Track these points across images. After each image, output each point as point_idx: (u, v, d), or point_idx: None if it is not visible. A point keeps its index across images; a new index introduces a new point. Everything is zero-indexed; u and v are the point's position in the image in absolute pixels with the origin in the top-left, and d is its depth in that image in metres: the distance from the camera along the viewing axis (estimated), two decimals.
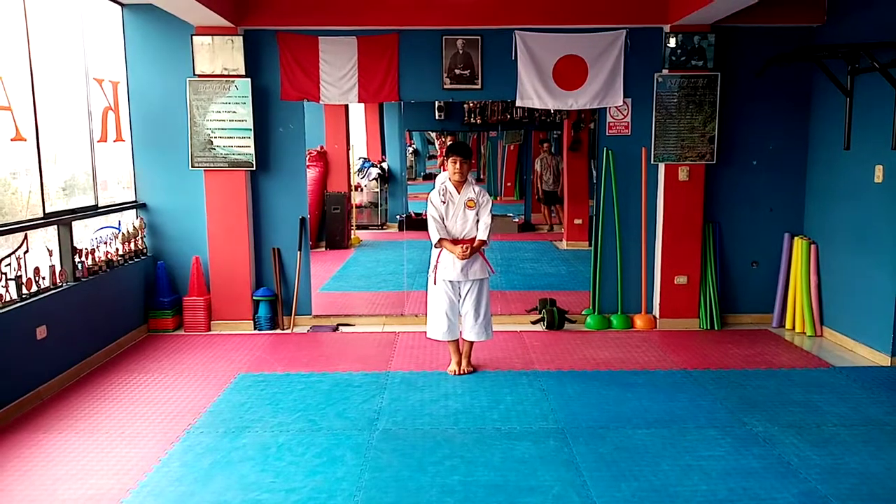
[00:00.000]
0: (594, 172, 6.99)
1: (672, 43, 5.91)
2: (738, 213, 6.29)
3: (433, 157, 17.72)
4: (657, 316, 6.27)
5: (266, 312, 6.21)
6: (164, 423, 4.14)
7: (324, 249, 10.29)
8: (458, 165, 4.83)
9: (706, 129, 6.01)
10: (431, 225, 4.84)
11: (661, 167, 6.12)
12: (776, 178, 6.24)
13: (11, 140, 4.53)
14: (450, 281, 4.88)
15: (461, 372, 4.98)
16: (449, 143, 5.12)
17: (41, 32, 4.87)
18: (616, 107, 6.10)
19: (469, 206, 4.83)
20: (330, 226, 10.39)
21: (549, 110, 9.70)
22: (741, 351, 5.54)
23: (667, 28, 5.94)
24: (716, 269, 6.24)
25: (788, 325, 6.18)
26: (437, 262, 4.87)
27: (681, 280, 6.19)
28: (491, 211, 4.87)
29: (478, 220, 4.85)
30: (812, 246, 6.02)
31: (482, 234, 4.82)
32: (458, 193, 4.86)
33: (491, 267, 4.97)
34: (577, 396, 4.56)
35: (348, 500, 3.27)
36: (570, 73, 6.01)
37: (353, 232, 10.85)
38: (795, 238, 6.18)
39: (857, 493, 3.32)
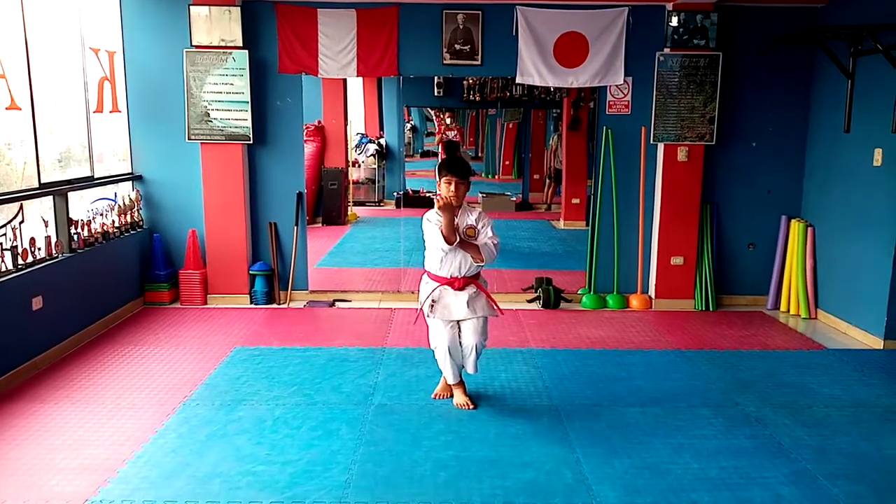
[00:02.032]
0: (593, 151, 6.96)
1: (674, 21, 5.85)
2: (737, 195, 6.28)
3: (431, 133, 17.63)
4: (653, 296, 6.28)
5: (262, 287, 6.20)
6: (161, 395, 4.16)
7: (320, 225, 10.27)
8: (452, 187, 3.82)
9: (706, 110, 5.98)
10: (435, 230, 3.82)
11: (661, 147, 6.10)
12: (775, 159, 6.23)
13: (7, 108, 4.49)
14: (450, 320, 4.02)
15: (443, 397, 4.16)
16: (442, 158, 4.35)
17: (36, 0, 4.80)
18: (616, 85, 6.06)
19: (469, 235, 3.88)
20: (327, 201, 10.37)
21: (548, 88, 9.63)
22: (735, 332, 5.57)
23: (669, 6, 5.88)
24: (712, 251, 6.25)
25: (783, 307, 6.20)
26: (430, 297, 3.98)
27: (677, 261, 6.20)
28: (494, 231, 3.92)
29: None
30: (809, 228, 6.03)
31: (482, 240, 3.86)
32: (456, 218, 3.87)
33: (498, 307, 4.06)
34: (571, 375, 4.59)
35: (343, 472, 3.30)
36: (570, 50, 5.95)
37: (349, 208, 10.82)
38: (792, 220, 6.18)
39: (847, 473, 3.36)
